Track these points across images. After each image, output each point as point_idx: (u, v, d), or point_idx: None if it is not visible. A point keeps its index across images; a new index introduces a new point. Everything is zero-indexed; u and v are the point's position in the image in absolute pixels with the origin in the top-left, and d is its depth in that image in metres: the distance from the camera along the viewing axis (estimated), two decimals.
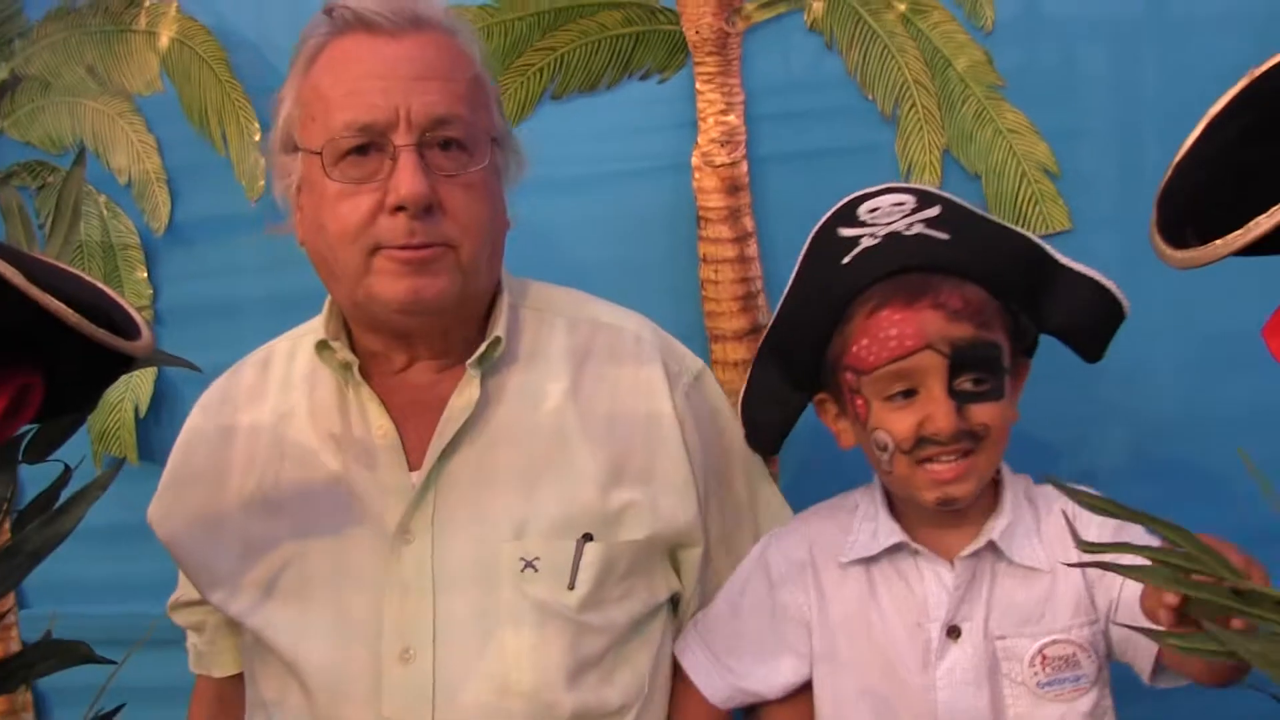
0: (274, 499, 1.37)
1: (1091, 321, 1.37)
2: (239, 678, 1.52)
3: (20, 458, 1.01)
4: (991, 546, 1.32)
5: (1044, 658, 1.30)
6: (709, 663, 1.44)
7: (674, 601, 1.47)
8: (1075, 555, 1.24)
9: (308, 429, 1.39)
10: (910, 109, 1.88)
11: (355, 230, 1.26)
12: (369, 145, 1.26)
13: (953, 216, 1.34)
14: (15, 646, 2.08)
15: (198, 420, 1.48)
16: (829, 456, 1.50)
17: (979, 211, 1.39)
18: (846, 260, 1.32)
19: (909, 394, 1.28)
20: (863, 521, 1.39)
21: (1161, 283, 1.59)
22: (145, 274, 2.05)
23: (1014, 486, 1.38)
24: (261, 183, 1.99)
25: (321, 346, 1.39)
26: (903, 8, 1.88)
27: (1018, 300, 1.33)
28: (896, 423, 1.27)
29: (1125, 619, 1.28)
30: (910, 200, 1.35)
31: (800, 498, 1.57)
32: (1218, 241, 0.79)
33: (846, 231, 1.35)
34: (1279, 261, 0.90)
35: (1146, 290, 1.71)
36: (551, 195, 1.90)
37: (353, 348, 1.39)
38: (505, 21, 1.94)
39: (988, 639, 1.31)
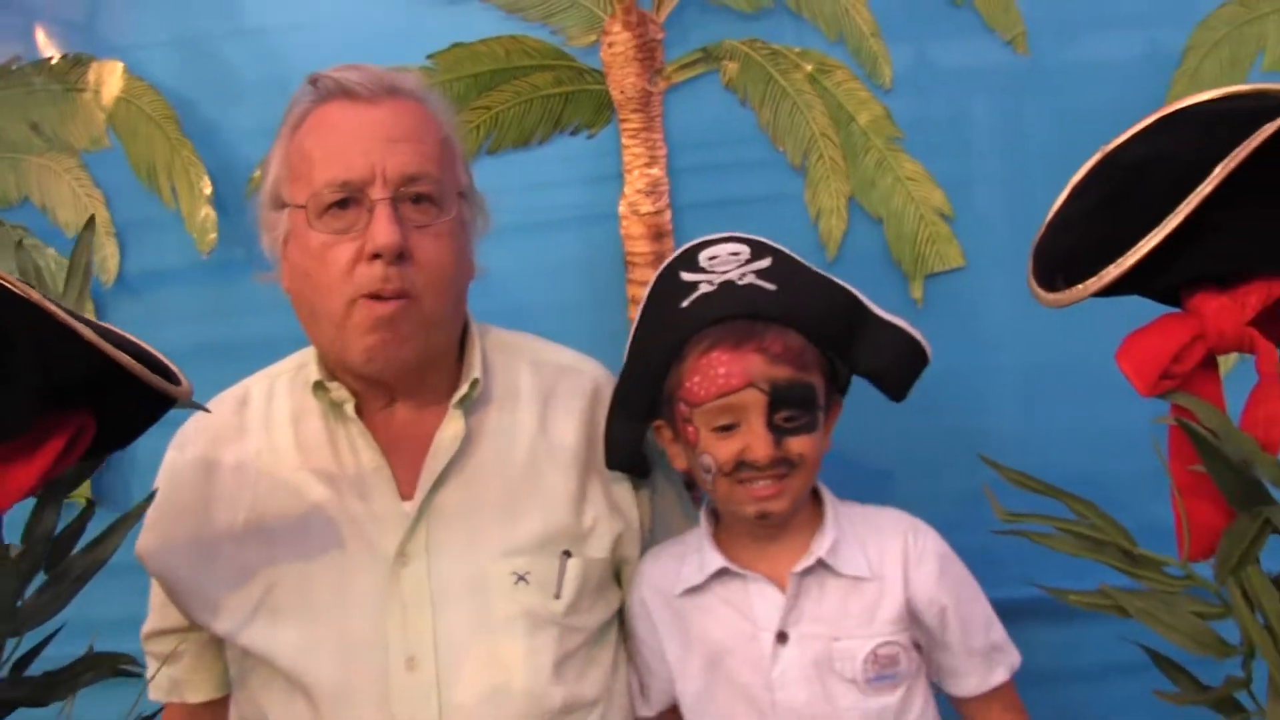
0: (267, 528, 1.47)
1: (897, 366, 1.49)
2: (214, 703, 1.61)
3: None
4: (820, 563, 1.45)
5: (875, 656, 1.44)
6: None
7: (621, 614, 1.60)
8: (895, 563, 1.46)
9: (296, 463, 1.50)
10: (817, 160, 2.03)
11: (338, 278, 1.38)
12: (349, 200, 1.39)
13: (782, 268, 1.46)
14: None
15: (176, 456, 1.56)
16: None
17: (806, 265, 1.51)
18: (685, 304, 1.44)
19: (732, 426, 1.41)
20: (691, 555, 1.52)
21: (1050, 314, 1.76)
22: None
23: (834, 506, 1.52)
24: (213, 235, 2.07)
25: (317, 387, 1.50)
26: (809, 68, 2.03)
27: (833, 346, 1.47)
28: (721, 450, 1.41)
29: (956, 644, 1.47)
30: (746, 251, 1.48)
31: None
32: (1079, 286, 0.97)
33: (687, 276, 1.47)
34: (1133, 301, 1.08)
35: (1034, 318, 1.90)
36: (489, 243, 2.01)
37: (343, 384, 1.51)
38: (444, 82, 2.05)
39: (818, 640, 1.44)
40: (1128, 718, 2.00)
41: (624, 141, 2.04)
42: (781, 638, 1.44)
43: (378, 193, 1.38)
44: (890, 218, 2.03)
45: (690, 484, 1.69)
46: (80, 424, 1.01)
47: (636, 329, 1.53)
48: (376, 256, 1.37)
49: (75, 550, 1.06)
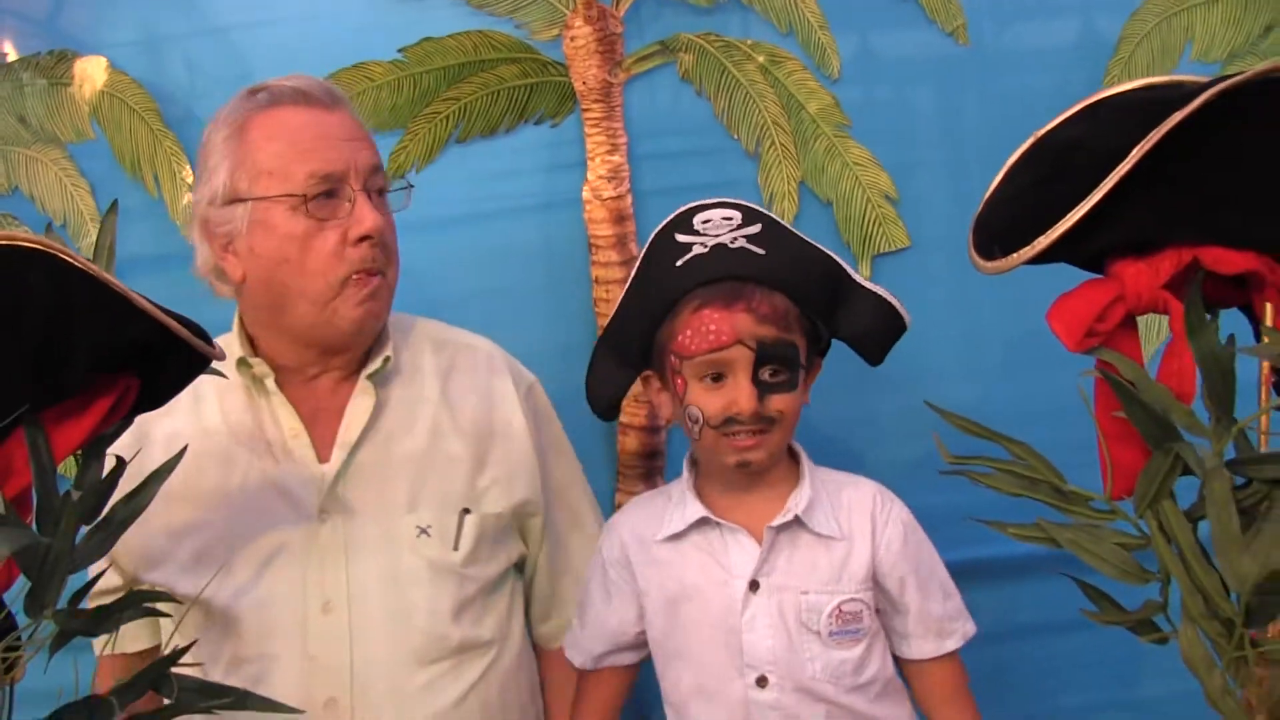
0: (198, 491, 1.61)
1: (875, 331, 1.60)
2: (148, 651, 1.73)
3: None
4: (796, 519, 1.56)
5: (839, 612, 1.54)
6: (573, 637, 1.71)
7: (519, 567, 1.79)
8: (863, 527, 1.57)
9: (222, 433, 1.65)
10: (770, 147, 2.15)
11: (327, 260, 1.54)
12: (332, 191, 1.55)
13: (771, 234, 1.56)
14: None
15: None
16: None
17: (794, 232, 1.61)
18: (680, 263, 1.54)
19: (719, 378, 1.52)
20: (675, 507, 1.63)
21: (989, 290, 1.88)
22: None
23: (811, 469, 1.62)
24: None
25: (241, 363, 1.64)
26: (761, 59, 2.15)
27: (815, 310, 1.57)
28: (708, 403, 1.51)
29: (911, 609, 1.58)
30: (737, 216, 1.58)
31: None
32: (1014, 255, 1.10)
33: (682, 238, 1.56)
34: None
35: (975, 294, 2.02)
36: (459, 228, 2.13)
37: (264, 360, 1.66)
38: (415, 74, 2.15)
39: (787, 593, 1.55)
40: (1062, 672, 2.17)
41: (586, 130, 2.14)
42: (754, 586, 1.55)
43: (355, 184, 1.56)
44: (839, 201, 2.16)
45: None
46: (126, 385, 1.12)
47: (630, 284, 1.63)
48: (363, 239, 1.55)
49: (115, 499, 1.16)
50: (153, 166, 2.18)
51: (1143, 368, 1.14)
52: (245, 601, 1.58)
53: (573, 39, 2.14)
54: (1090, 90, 1.25)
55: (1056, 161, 1.15)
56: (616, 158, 2.14)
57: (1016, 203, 1.17)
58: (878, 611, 1.60)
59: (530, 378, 1.82)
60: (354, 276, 1.56)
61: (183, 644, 1.58)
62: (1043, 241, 1.08)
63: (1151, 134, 1.04)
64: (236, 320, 1.68)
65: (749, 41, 2.16)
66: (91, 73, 2.18)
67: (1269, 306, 1.13)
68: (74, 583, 1.17)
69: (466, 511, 1.65)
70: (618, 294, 2.09)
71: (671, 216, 1.61)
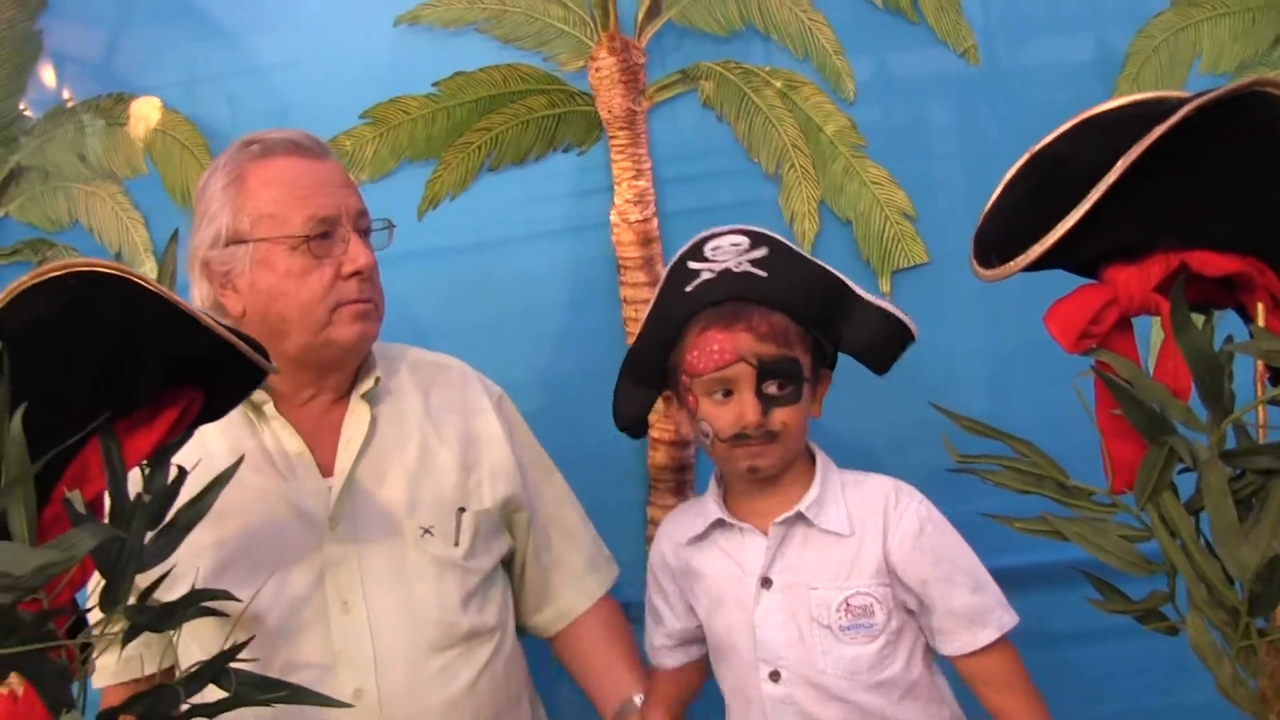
0: (213, 512, 1.65)
1: (879, 344, 1.65)
2: (167, 671, 1.79)
3: None
4: (800, 516, 1.62)
5: (848, 606, 1.60)
6: (648, 643, 1.81)
7: (504, 563, 1.90)
8: (875, 523, 1.61)
9: (226, 457, 1.67)
10: (789, 168, 2.24)
11: (322, 293, 1.68)
12: (327, 233, 1.69)
13: (775, 256, 1.63)
14: None
15: None
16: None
17: (799, 252, 1.67)
18: (689, 289, 1.62)
19: (727, 394, 1.59)
20: (701, 510, 1.71)
21: (1008, 302, 1.96)
22: None
23: (827, 469, 1.68)
24: None
25: None
26: (779, 84, 2.23)
27: (816, 326, 1.63)
28: (718, 417, 1.59)
29: (937, 604, 1.60)
30: (745, 241, 1.65)
31: None
32: (1010, 263, 1.18)
33: (693, 265, 1.64)
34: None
35: (994, 307, 2.08)
36: (494, 252, 2.22)
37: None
38: (448, 107, 2.26)
39: (797, 589, 1.61)
40: (1101, 681, 2.21)
41: (612, 156, 2.24)
42: (765, 582, 1.62)
43: (347, 226, 1.71)
44: (858, 219, 2.23)
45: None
46: (190, 398, 1.22)
47: (650, 312, 1.71)
48: (355, 274, 1.70)
49: (180, 504, 1.26)
50: None
51: (1139, 367, 1.21)
52: (271, 610, 1.69)
53: (598, 70, 2.23)
54: None
55: (1049, 174, 1.23)
56: (642, 182, 2.22)
57: (1012, 214, 1.25)
58: (910, 612, 1.63)
59: (498, 390, 1.95)
60: (342, 307, 1.70)
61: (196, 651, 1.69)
62: (1036, 250, 1.16)
63: (1135, 146, 1.11)
64: None
65: (767, 68, 2.24)
66: (145, 112, 2.31)
67: (1260, 307, 1.20)
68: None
69: (462, 510, 1.78)
70: (644, 313, 2.18)
71: (686, 246, 1.69)
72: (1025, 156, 1.28)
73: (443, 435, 1.82)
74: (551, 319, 2.24)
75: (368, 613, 1.71)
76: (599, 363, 2.14)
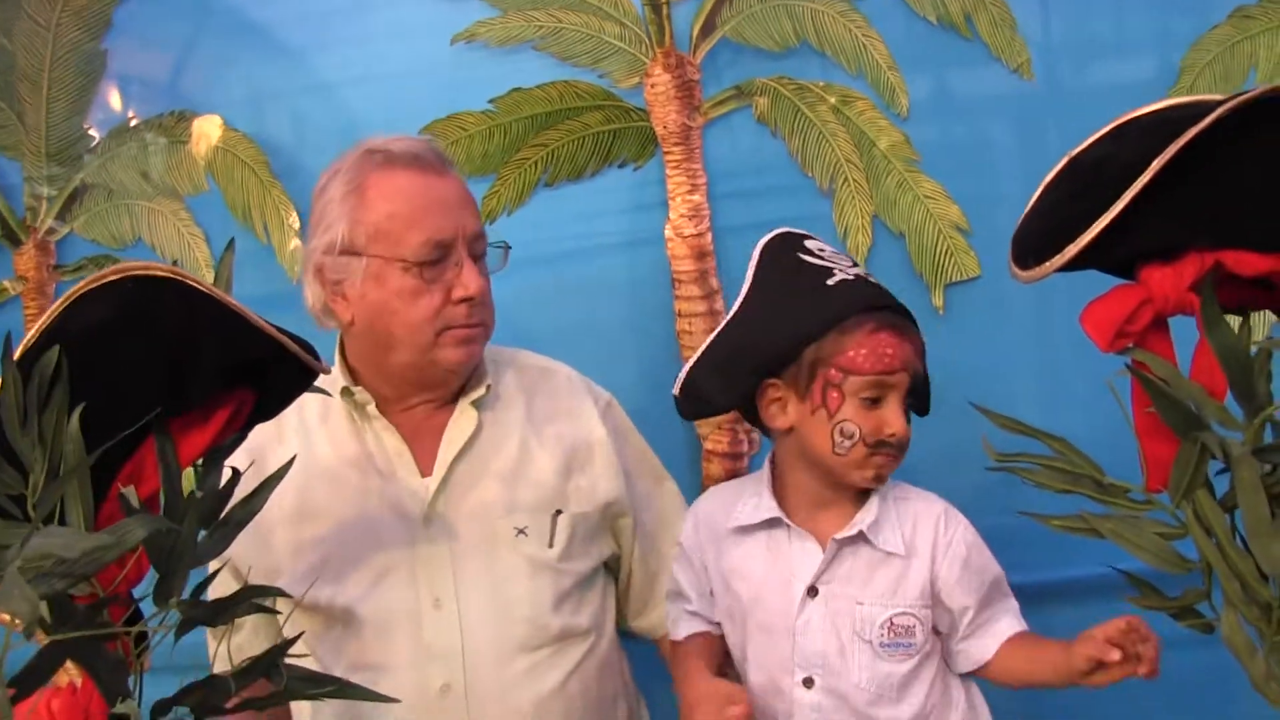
0: (311, 510, 1.76)
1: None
2: None
3: None
4: (861, 534, 1.63)
5: (891, 624, 1.61)
6: (675, 613, 1.82)
7: (607, 566, 1.90)
8: (925, 547, 1.63)
9: (330, 456, 1.80)
10: (843, 183, 2.25)
11: (430, 316, 1.69)
12: (440, 258, 1.69)
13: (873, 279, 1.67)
14: None
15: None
16: None
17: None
18: (832, 282, 1.62)
19: (876, 401, 1.59)
20: (749, 499, 1.73)
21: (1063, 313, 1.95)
22: None
23: (885, 488, 1.68)
24: (300, 266, 2.31)
25: (344, 391, 1.79)
26: (833, 100, 2.25)
27: None
28: (865, 422, 1.59)
29: (948, 599, 1.63)
30: (838, 250, 1.70)
31: None
32: (1046, 263, 1.18)
33: (811, 260, 1.66)
34: None
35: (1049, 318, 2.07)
36: (551, 266, 2.25)
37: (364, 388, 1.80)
38: (505, 124, 2.30)
39: (843, 601, 1.63)
40: (1149, 694, 2.19)
41: (667, 172, 2.27)
42: (812, 591, 1.64)
43: (462, 250, 1.71)
44: (911, 233, 2.25)
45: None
46: (242, 398, 1.26)
47: (758, 297, 1.71)
48: (466, 299, 1.70)
49: (233, 503, 1.29)
50: (262, 215, 2.35)
51: (1175, 366, 1.21)
52: (363, 605, 1.72)
53: (653, 86, 2.26)
54: None
55: (1086, 177, 1.24)
56: (696, 197, 2.25)
57: (1050, 216, 1.26)
58: (936, 633, 1.66)
59: (607, 395, 1.95)
60: (448, 330, 1.71)
61: (302, 648, 1.74)
62: (1071, 250, 1.17)
63: (1169, 147, 1.12)
64: (338, 352, 1.83)
65: (821, 84, 2.26)
66: (207, 130, 2.36)
67: None
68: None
69: (559, 512, 1.79)
70: (700, 326, 2.21)
71: (776, 237, 1.73)
72: (1064, 160, 1.29)
73: (543, 439, 1.83)
74: (607, 332, 2.27)
75: (459, 610, 1.72)
76: (654, 376, 2.18)
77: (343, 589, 1.73)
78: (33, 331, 1.23)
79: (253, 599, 1.29)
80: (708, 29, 2.27)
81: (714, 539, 1.75)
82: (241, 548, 1.70)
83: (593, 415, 1.88)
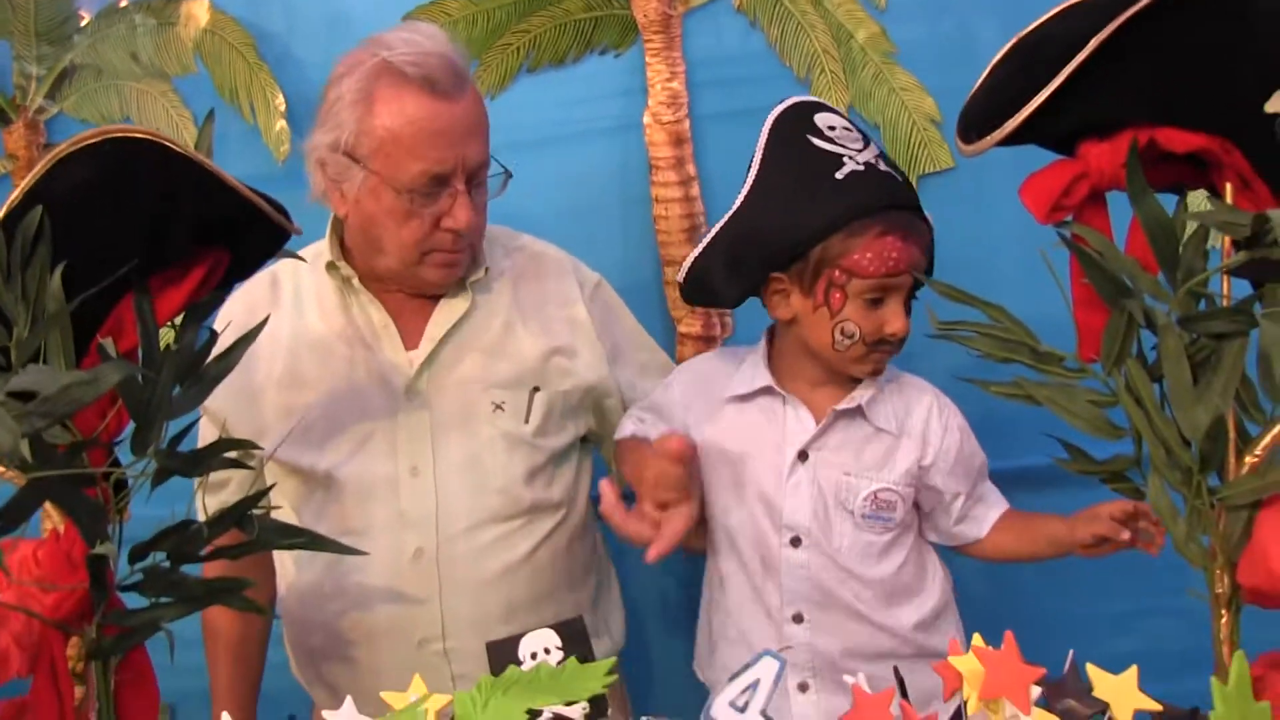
0: (300, 377, 1.83)
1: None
2: None
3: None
4: (859, 409, 1.69)
5: (875, 497, 1.68)
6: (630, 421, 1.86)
7: (585, 441, 1.97)
8: (917, 428, 1.69)
9: (320, 326, 1.85)
10: (820, 74, 2.28)
11: (417, 240, 1.74)
12: (435, 191, 1.72)
13: (887, 156, 1.67)
14: None
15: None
16: None
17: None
18: (840, 176, 1.59)
19: (878, 302, 1.62)
20: (746, 369, 1.77)
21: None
22: None
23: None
24: (286, 146, 2.35)
25: (330, 266, 1.84)
26: None
27: None
28: (866, 321, 1.62)
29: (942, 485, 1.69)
30: (854, 130, 1.67)
31: None
32: (988, 137, 1.23)
33: (821, 144, 1.63)
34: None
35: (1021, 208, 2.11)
36: (531, 152, 2.26)
37: (351, 266, 1.85)
38: (487, 9, 2.32)
39: (831, 469, 1.68)
40: (1109, 579, 2.26)
41: (647, 59, 2.29)
42: (802, 456, 1.69)
43: (459, 183, 1.73)
44: (886, 124, 2.28)
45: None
46: (218, 257, 1.32)
47: (770, 181, 1.69)
48: (452, 231, 1.74)
49: (212, 358, 1.36)
50: (249, 95, 2.37)
51: (1110, 239, 1.26)
52: (344, 470, 1.79)
53: None
54: None
55: (1030, 55, 1.28)
56: (675, 85, 2.28)
57: (994, 93, 1.31)
58: (917, 507, 1.73)
59: (596, 276, 1.99)
60: (434, 253, 1.77)
61: (289, 513, 1.82)
62: (1010, 124, 1.22)
63: (1109, 25, 1.16)
64: (330, 228, 1.87)
65: None
66: (195, 12, 2.38)
67: (1229, 186, 1.25)
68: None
69: (536, 390, 1.85)
70: (676, 211, 2.25)
71: (784, 112, 1.71)
72: (1011, 40, 1.33)
73: (527, 319, 1.88)
74: (588, 215, 2.31)
75: (435, 479, 1.79)
76: (633, 259, 2.22)
77: (325, 455, 1.80)
78: (16, 193, 1.28)
79: (225, 451, 1.35)
80: None
81: (706, 400, 1.78)
82: (233, 406, 1.81)
83: (577, 298, 1.93)
